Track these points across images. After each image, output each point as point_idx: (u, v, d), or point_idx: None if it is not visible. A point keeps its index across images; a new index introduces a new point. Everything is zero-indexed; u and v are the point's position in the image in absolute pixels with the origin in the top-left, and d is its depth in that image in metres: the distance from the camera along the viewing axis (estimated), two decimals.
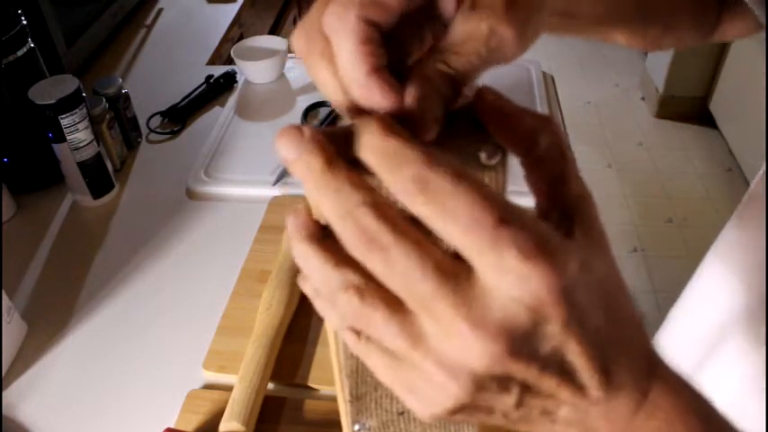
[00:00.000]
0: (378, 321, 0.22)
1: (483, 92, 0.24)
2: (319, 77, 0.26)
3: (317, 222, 0.23)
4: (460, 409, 0.23)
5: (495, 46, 0.25)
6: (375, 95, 0.24)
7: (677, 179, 2.36)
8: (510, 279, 0.20)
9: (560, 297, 0.20)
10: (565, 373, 0.22)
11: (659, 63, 2.62)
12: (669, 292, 1.90)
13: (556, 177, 0.24)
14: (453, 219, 0.20)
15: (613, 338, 0.23)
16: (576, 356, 0.22)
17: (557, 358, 0.22)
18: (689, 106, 2.59)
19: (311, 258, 0.23)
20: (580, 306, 0.21)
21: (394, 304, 0.22)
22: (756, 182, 0.49)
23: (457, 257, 0.21)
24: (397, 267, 0.21)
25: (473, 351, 0.21)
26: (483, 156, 0.24)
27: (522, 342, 0.21)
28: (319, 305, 0.24)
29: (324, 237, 0.23)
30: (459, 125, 0.25)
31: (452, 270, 0.21)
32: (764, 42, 0.51)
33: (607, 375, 0.22)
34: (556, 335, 0.21)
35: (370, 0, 0.24)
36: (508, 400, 0.23)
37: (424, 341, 0.22)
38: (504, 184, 0.24)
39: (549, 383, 0.22)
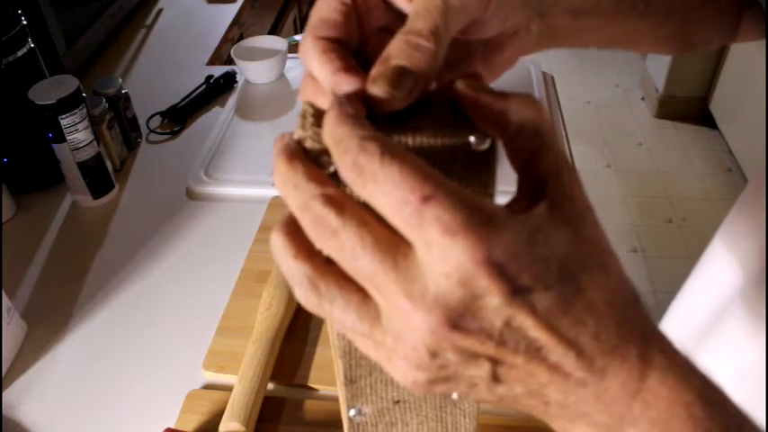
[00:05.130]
0: (337, 311, 0.23)
1: (459, 84, 0.25)
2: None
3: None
4: (433, 381, 0.23)
5: None
6: (343, 85, 0.25)
7: (677, 179, 2.36)
8: (436, 254, 0.21)
9: (491, 269, 0.20)
10: (531, 349, 0.22)
11: (659, 63, 2.61)
12: (669, 292, 1.89)
13: (530, 153, 0.24)
14: (385, 199, 0.21)
15: (592, 314, 0.22)
16: (535, 332, 0.22)
17: (515, 333, 0.22)
18: (689, 106, 2.60)
19: (278, 249, 0.24)
20: (528, 278, 0.21)
21: (352, 290, 0.23)
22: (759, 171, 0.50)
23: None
24: (346, 249, 0.22)
25: (414, 326, 0.22)
26: (473, 141, 0.24)
27: (461, 316, 0.21)
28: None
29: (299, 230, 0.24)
30: (449, 113, 0.25)
31: (393, 245, 0.22)
32: (765, 42, 0.51)
33: (583, 353, 0.22)
34: (501, 308, 0.21)
35: (318, 21, 0.28)
36: (479, 372, 0.23)
37: (380, 320, 0.23)
38: (494, 168, 0.25)
39: (515, 359, 0.22)
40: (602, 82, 2.92)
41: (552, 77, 1.11)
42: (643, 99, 2.78)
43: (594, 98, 2.80)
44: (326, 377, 0.65)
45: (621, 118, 2.70)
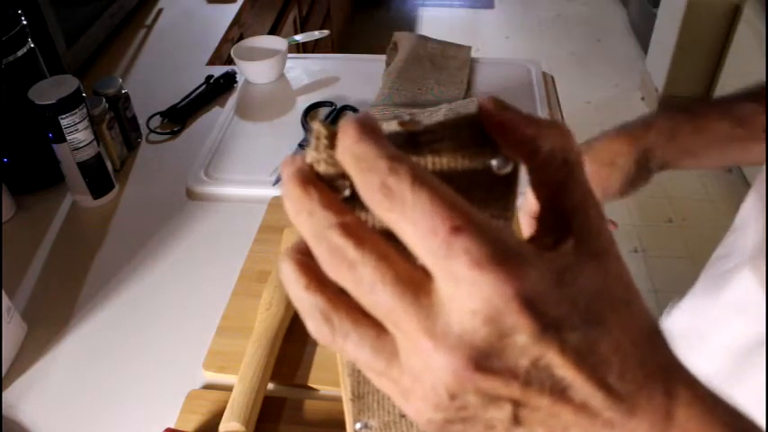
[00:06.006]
0: (350, 346, 0.22)
1: (485, 102, 0.24)
2: None
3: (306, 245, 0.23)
4: (450, 421, 0.22)
5: None
6: None
7: (677, 179, 2.36)
8: (463, 288, 0.20)
9: (522, 306, 0.19)
10: (558, 389, 0.21)
11: (659, 63, 2.62)
12: (669, 292, 1.90)
13: (558, 184, 0.23)
14: (412, 226, 0.20)
15: (618, 354, 0.22)
16: (564, 370, 0.21)
17: (541, 373, 0.21)
18: None
19: (289, 279, 0.23)
20: (557, 317, 0.20)
21: (367, 325, 0.22)
22: None
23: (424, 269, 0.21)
24: (364, 283, 0.21)
25: (435, 366, 0.20)
26: (494, 165, 0.24)
27: (486, 356, 0.20)
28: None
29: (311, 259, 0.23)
30: (471, 136, 0.24)
31: (415, 280, 0.21)
32: (764, 42, 0.51)
33: (612, 393, 0.21)
34: (529, 347, 0.20)
35: None
36: (500, 414, 0.22)
37: (397, 358, 0.22)
38: (515, 191, 0.24)
39: (540, 400, 0.21)
40: (602, 82, 2.92)
41: (552, 77, 1.11)
42: (643, 99, 2.78)
43: (594, 98, 2.80)
44: (326, 377, 0.65)
45: (621, 118, 2.68)
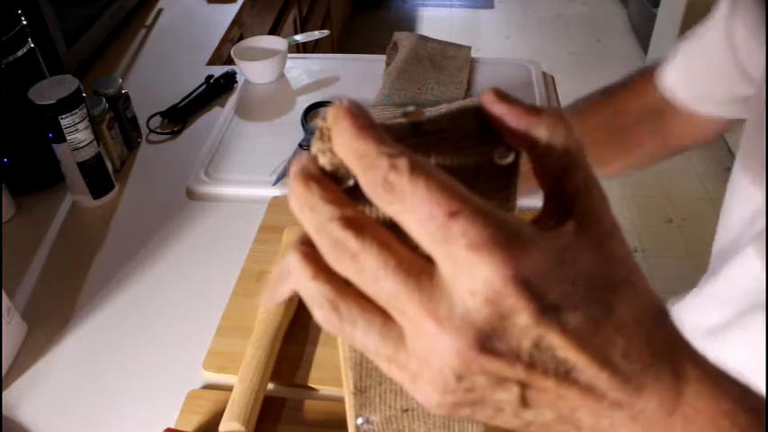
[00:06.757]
0: (359, 333, 0.23)
1: (487, 93, 0.24)
2: None
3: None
4: (458, 404, 0.23)
5: None
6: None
7: (677, 179, 2.36)
8: (463, 270, 0.20)
9: (520, 287, 0.20)
10: (562, 371, 0.21)
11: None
12: (669, 292, 1.89)
13: (560, 171, 0.23)
14: (412, 215, 0.20)
15: (622, 334, 0.22)
16: (566, 351, 0.21)
17: (544, 354, 0.21)
18: None
19: (296, 270, 0.23)
20: (556, 298, 0.20)
21: (373, 312, 0.22)
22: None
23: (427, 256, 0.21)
24: (367, 271, 0.21)
25: (441, 349, 0.21)
26: (496, 156, 0.24)
27: (488, 337, 0.20)
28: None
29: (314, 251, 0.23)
30: (474, 126, 0.25)
31: (417, 267, 0.21)
32: (764, 42, 0.51)
33: (617, 373, 0.21)
34: (529, 328, 0.20)
35: None
36: (508, 396, 0.22)
37: (404, 343, 0.22)
38: (516, 182, 0.24)
39: (545, 382, 0.21)
40: (602, 82, 2.91)
41: (552, 77, 1.11)
42: None
43: None
44: (326, 377, 0.65)
45: None
